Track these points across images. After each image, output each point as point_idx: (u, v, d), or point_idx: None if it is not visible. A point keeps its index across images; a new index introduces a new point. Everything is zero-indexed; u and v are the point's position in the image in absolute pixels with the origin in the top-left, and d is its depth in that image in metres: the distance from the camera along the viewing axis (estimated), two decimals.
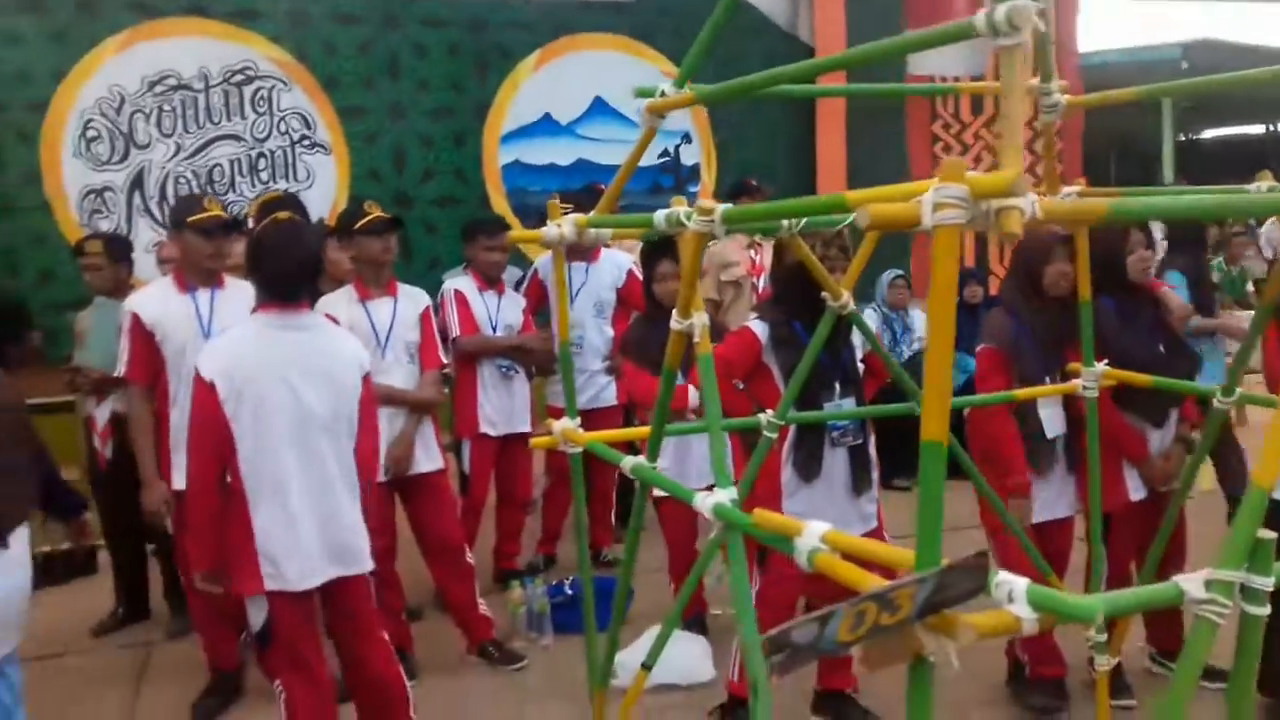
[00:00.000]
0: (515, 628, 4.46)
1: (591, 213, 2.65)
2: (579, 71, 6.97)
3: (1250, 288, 7.15)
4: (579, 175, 6.89)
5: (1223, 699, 1.40)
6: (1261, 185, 2.52)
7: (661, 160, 7.25)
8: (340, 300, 4.06)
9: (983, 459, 3.42)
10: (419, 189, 6.63)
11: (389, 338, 4.09)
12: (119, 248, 4.81)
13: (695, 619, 4.30)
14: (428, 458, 4.12)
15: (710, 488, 1.92)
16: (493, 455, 4.89)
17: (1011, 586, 1.17)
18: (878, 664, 1.20)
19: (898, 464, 5.65)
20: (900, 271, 6.45)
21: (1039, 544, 3.30)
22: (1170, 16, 22.53)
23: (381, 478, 4.01)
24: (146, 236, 6.03)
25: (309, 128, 6.38)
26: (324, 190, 6.35)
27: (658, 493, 4.26)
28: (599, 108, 7.05)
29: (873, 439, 3.49)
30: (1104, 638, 2.63)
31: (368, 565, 3.16)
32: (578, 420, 2.77)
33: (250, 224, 3.93)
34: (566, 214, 4.92)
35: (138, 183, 6.05)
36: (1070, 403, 3.62)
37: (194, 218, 3.82)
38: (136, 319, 3.81)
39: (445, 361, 4.30)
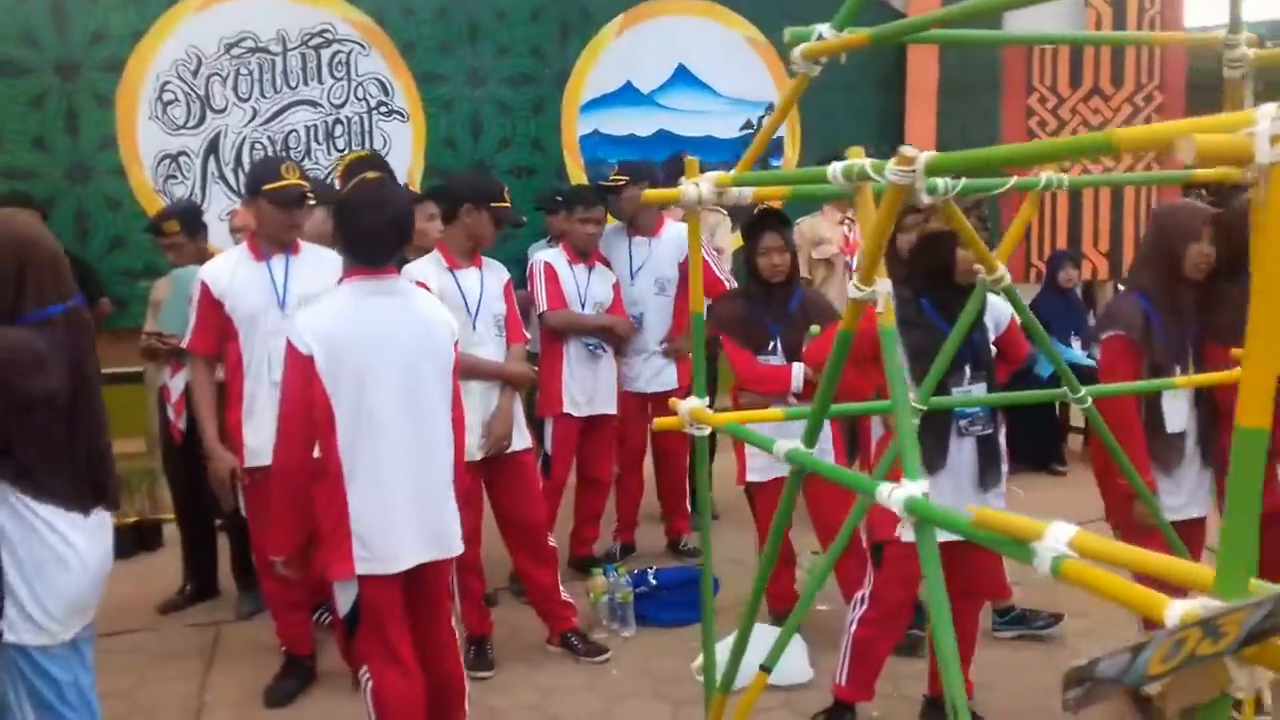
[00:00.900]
0: (597, 617, 4.27)
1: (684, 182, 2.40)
2: (662, 38, 6.70)
3: None
4: (660, 146, 6.63)
5: None
6: None
7: (744, 132, 6.97)
8: (429, 267, 3.89)
9: (1105, 456, 3.15)
10: (495, 158, 6.43)
11: (479, 309, 3.91)
12: (194, 220, 4.67)
13: (785, 614, 4.07)
14: (518, 435, 3.93)
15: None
16: (576, 436, 4.70)
17: None
18: (1180, 701, 0.96)
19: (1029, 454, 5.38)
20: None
21: (1166, 549, 3.03)
22: None
23: (477, 455, 3.84)
24: (220, 204, 5.89)
25: (386, 94, 6.20)
26: (400, 158, 6.17)
27: (758, 477, 4.03)
28: (681, 76, 6.79)
29: (1003, 429, 3.23)
30: None
31: (458, 548, 3.01)
32: (706, 400, 2.54)
33: (337, 185, 3.75)
34: (622, 188, 4.78)
35: (213, 148, 5.91)
36: (1206, 395, 3.34)
37: (270, 186, 3.65)
38: (205, 288, 3.67)
39: (528, 337, 4.10)
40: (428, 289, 3.55)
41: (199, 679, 3.92)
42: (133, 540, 5.08)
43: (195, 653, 4.13)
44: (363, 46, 6.13)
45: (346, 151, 6.14)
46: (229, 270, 3.73)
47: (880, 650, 3.33)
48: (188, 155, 5.87)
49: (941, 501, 3.11)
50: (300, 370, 2.74)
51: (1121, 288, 6.30)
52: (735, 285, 4.72)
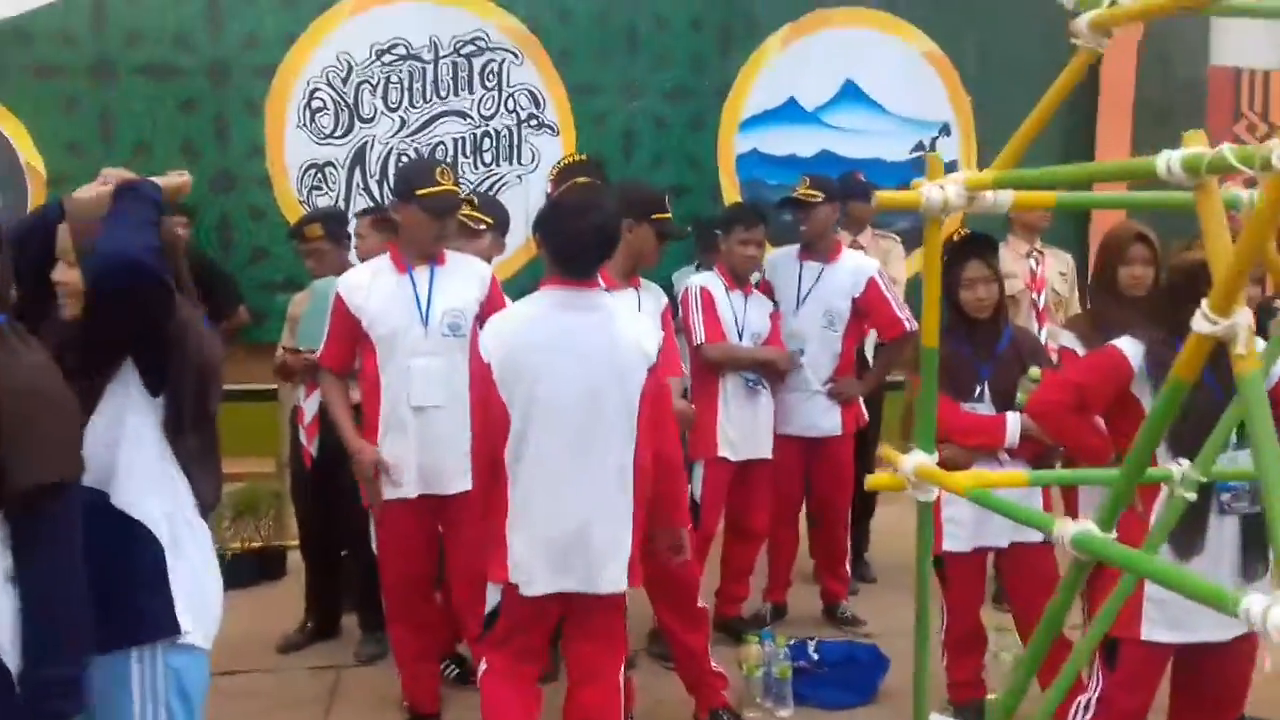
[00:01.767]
0: (749, 693, 3.81)
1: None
2: (829, 51, 6.21)
3: None
4: (822, 169, 6.11)
5: None
6: None
7: (914, 155, 6.42)
8: None
9: None
10: (648, 176, 6.03)
11: None
12: (338, 226, 4.44)
13: (972, 705, 3.54)
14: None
15: None
16: (729, 482, 4.27)
17: None
18: None
19: None
20: None
21: None
22: None
23: None
24: None
25: (538, 106, 5.90)
26: (546, 174, 5.86)
27: (958, 547, 3.53)
28: (849, 92, 6.29)
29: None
30: None
31: (614, 587, 2.77)
32: (934, 457, 2.10)
33: (549, 189, 3.48)
34: (814, 204, 4.31)
35: (359, 159, 5.70)
36: None
37: (424, 190, 3.35)
38: (340, 301, 3.40)
39: (684, 371, 3.70)
40: None
41: None
42: (254, 568, 4.86)
43: (313, 700, 3.84)
44: (515, 55, 5.85)
45: (494, 166, 5.88)
46: (367, 282, 3.45)
47: None
48: (334, 166, 5.68)
49: None
50: (480, 375, 2.82)
51: None
52: (915, 325, 4.24)
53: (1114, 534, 1.66)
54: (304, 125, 5.61)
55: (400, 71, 5.72)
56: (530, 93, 5.89)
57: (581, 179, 3.09)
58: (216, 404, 2.33)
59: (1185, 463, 2.23)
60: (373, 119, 5.70)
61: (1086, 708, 2.83)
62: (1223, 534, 2.64)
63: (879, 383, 4.72)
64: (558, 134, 5.94)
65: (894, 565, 5.38)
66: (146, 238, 2.13)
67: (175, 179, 2.36)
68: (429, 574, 3.62)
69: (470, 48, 5.79)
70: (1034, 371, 3.37)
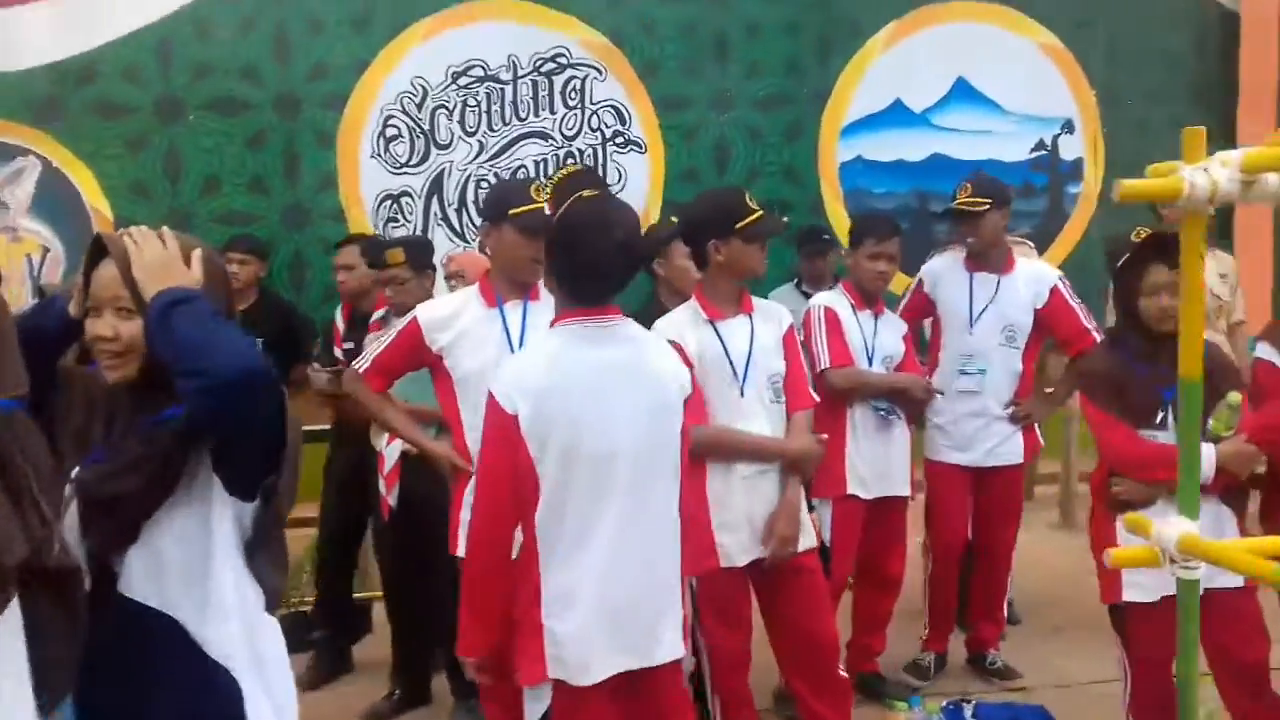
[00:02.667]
0: None
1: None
2: (940, 48, 5.72)
3: None
4: (933, 175, 5.67)
5: None
6: None
7: (1034, 154, 5.89)
8: (684, 320, 3.07)
9: None
10: None
11: (747, 369, 3.06)
12: (423, 254, 4.09)
13: None
14: (802, 531, 3.05)
15: None
16: (861, 522, 3.77)
17: None
18: None
19: None
20: None
21: None
22: None
23: (741, 560, 3.01)
24: (444, 249, 5.32)
25: (623, 122, 5.51)
26: (635, 193, 5.44)
27: (1142, 596, 2.98)
28: (961, 91, 5.78)
29: None
30: None
31: (674, 653, 2.44)
32: (1195, 525, 1.60)
33: (548, 209, 3.02)
34: (981, 212, 3.81)
35: (437, 187, 5.37)
36: None
37: (518, 209, 2.95)
38: (415, 326, 3.00)
39: (817, 399, 3.22)
40: (684, 352, 2.78)
41: None
42: (337, 623, 4.46)
43: None
44: (599, 71, 5.47)
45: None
46: (452, 314, 3.04)
47: None
48: (410, 195, 5.35)
49: None
50: (502, 430, 2.31)
51: None
52: (1101, 336, 3.76)
53: None
54: (378, 155, 5.29)
55: (477, 94, 5.38)
56: (615, 109, 5.50)
57: (588, 191, 2.65)
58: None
59: None
60: (450, 145, 5.36)
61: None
62: None
63: (1063, 401, 4.22)
64: (645, 150, 5.54)
65: (1035, 601, 4.81)
66: (234, 337, 1.74)
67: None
68: None
69: (550, 65, 5.43)
70: (1233, 397, 2.82)
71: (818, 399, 3.19)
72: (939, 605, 4.13)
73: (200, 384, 1.66)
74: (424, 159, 5.34)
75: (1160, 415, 2.92)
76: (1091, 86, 5.85)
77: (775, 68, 5.62)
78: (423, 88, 5.31)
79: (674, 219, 3.88)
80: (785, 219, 3.53)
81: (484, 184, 5.39)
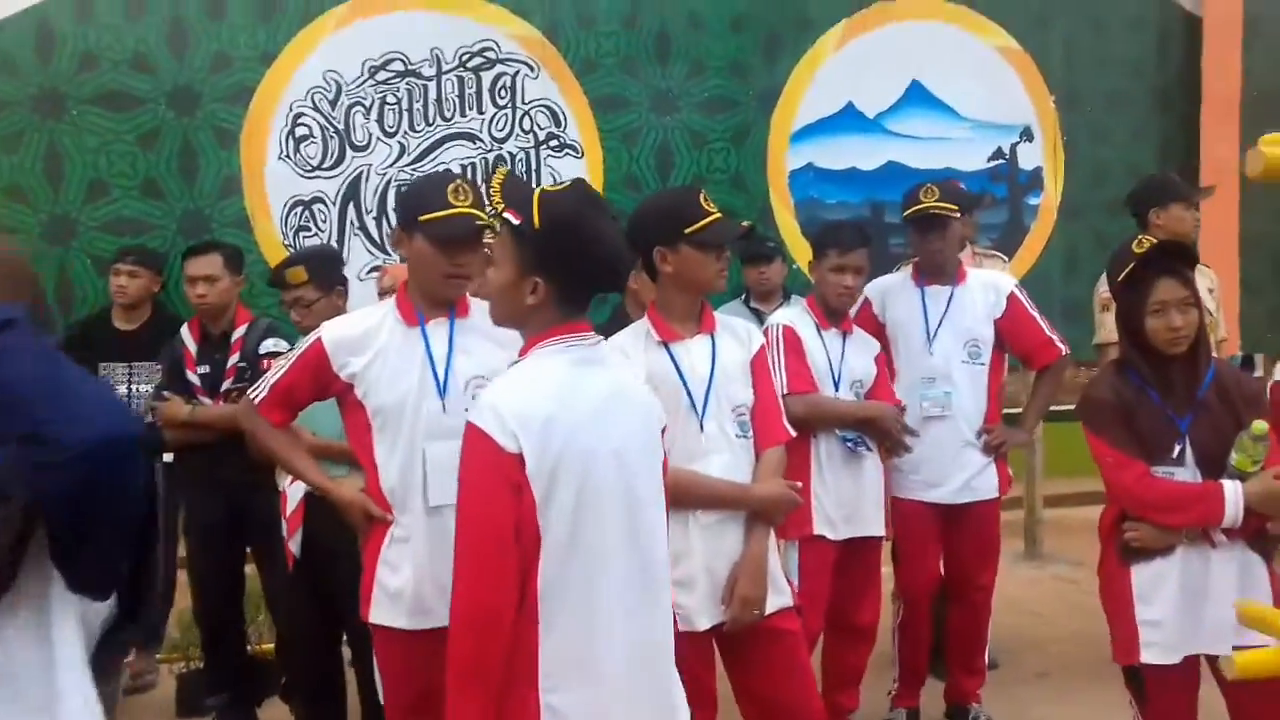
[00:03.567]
0: None
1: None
2: (894, 48, 5.40)
3: None
4: (887, 184, 5.33)
5: None
6: None
7: (992, 163, 5.59)
8: (632, 342, 2.65)
9: None
10: None
11: (707, 399, 2.64)
12: (329, 268, 3.62)
13: None
14: (775, 592, 2.63)
15: None
16: (830, 566, 3.38)
17: None
18: None
19: None
20: None
21: None
22: None
23: (702, 625, 2.59)
24: (361, 260, 4.86)
25: (558, 124, 5.09)
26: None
27: (1163, 658, 2.62)
28: (916, 95, 5.47)
29: None
30: None
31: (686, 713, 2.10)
32: None
33: (501, 209, 2.54)
34: (952, 218, 3.45)
35: (353, 193, 4.89)
36: None
37: (430, 215, 2.51)
38: (319, 348, 2.53)
39: (791, 433, 2.81)
40: None
41: None
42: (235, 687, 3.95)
43: None
44: (531, 67, 5.05)
45: None
46: (364, 334, 2.58)
47: None
48: (323, 202, 4.85)
49: None
50: (499, 473, 1.86)
51: None
52: (1067, 348, 3.43)
53: None
54: (287, 156, 4.80)
55: (397, 90, 4.91)
56: (549, 109, 5.08)
57: (554, 186, 2.25)
58: None
59: None
60: (367, 146, 4.89)
61: None
62: None
63: (1036, 425, 3.89)
64: (581, 155, 5.12)
65: (1011, 643, 4.47)
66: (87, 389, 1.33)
67: None
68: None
69: (478, 60, 4.99)
70: (1257, 426, 2.49)
71: (793, 433, 2.78)
72: (909, 658, 3.76)
73: (42, 457, 1.20)
74: (338, 162, 4.86)
75: (1177, 449, 2.58)
76: (1050, 91, 5.58)
77: (720, 67, 5.25)
78: (336, 83, 4.83)
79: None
80: (747, 223, 3.11)
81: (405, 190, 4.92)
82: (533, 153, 5.09)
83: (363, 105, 4.87)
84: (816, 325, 3.40)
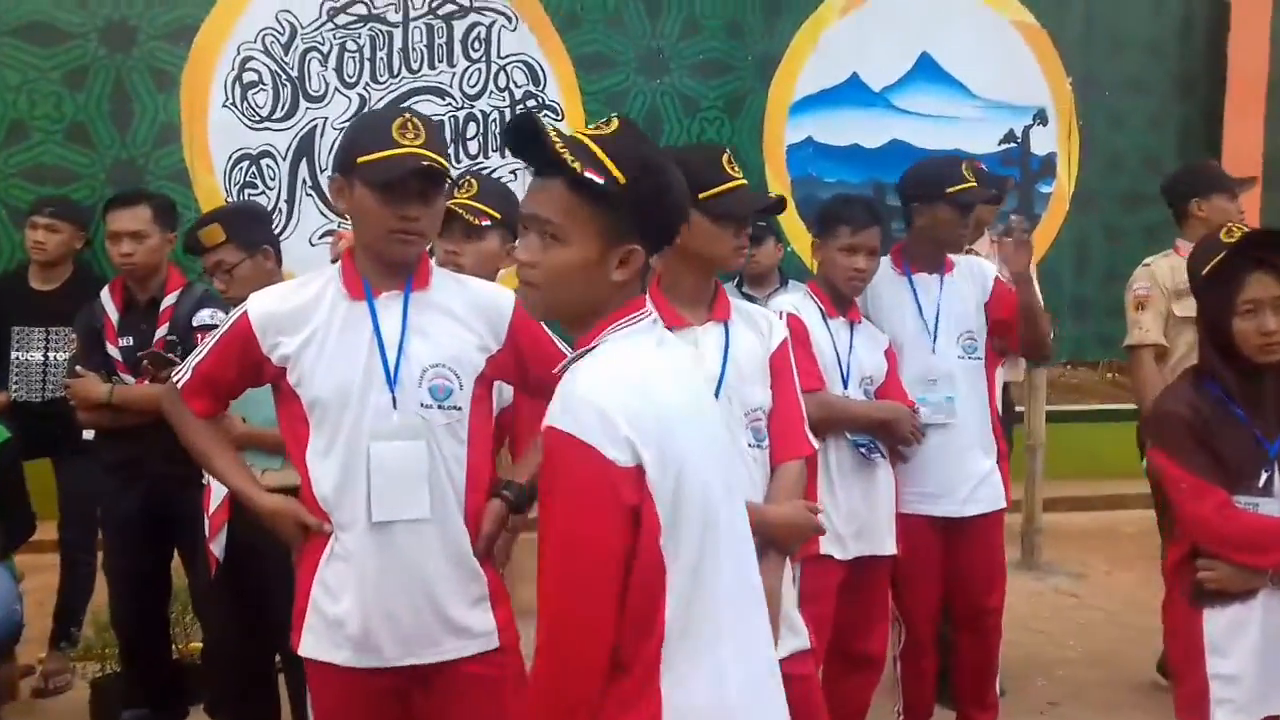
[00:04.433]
0: None
1: None
2: (902, 19, 5.01)
3: None
4: (891, 164, 4.91)
5: None
6: None
7: (1003, 147, 5.21)
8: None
9: None
10: None
11: (718, 397, 2.22)
12: (251, 228, 3.15)
13: None
14: (790, 632, 2.22)
15: None
16: (835, 589, 2.98)
17: None
18: None
19: None
20: None
21: None
22: None
23: None
24: (313, 223, 4.40)
25: (536, 83, 4.65)
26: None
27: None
28: (925, 69, 5.07)
29: None
30: None
31: None
32: None
33: (579, 169, 1.97)
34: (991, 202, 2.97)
35: (306, 147, 4.43)
36: None
37: (370, 155, 2.07)
38: (244, 322, 2.07)
39: (816, 446, 2.39)
40: None
41: None
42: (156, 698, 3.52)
43: None
44: (508, 19, 4.59)
45: (480, 159, 4.60)
46: (298, 308, 2.13)
47: None
48: (272, 156, 4.38)
49: None
50: (612, 492, 1.44)
51: None
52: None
53: None
54: (233, 104, 4.32)
55: (359, 37, 4.45)
56: (527, 65, 4.63)
57: (604, 130, 1.80)
58: None
59: None
60: (324, 97, 4.42)
61: None
62: None
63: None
64: (562, 118, 4.68)
65: (1017, 667, 4.10)
66: None
67: None
68: None
69: (450, 7, 4.54)
70: None
71: (817, 446, 2.36)
72: (914, 693, 3.37)
73: None
74: (291, 113, 4.38)
75: (1264, 476, 2.19)
76: (1067, 73, 5.20)
77: (716, 28, 4.82)
78: (290, 25, 4.36)
79: None
80: (774, 195, 2.69)
81: None
82: (507, 112, 4.64)
83: (320, 51, 4.40)
84: (822, 313, 2.99)
